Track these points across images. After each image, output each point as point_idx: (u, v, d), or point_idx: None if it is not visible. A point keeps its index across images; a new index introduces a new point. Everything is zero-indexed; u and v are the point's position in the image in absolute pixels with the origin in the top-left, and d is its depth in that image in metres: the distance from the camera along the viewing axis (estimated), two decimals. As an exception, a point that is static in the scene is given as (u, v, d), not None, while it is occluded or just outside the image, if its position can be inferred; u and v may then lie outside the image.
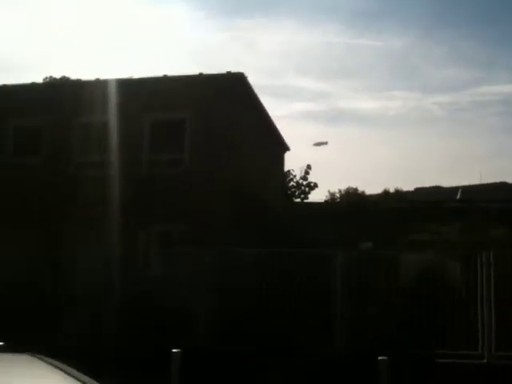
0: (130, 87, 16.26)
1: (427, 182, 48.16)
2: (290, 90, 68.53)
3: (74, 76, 28.14)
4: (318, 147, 22.61)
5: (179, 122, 16.16)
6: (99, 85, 16.45)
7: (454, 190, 59.68)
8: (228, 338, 10.86)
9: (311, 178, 21.90)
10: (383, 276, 11.24)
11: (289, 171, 21.98)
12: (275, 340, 10.64)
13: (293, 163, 23.29)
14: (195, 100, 15.93)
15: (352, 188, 45.14)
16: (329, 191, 40.12)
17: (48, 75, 28.07)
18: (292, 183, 21.87)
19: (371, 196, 40.58)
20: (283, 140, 22.44)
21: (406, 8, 68.57)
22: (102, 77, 16.82)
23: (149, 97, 16.01)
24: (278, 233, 15.78)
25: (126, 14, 65.48)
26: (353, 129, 72.87)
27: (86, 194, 15.24)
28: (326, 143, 22.53)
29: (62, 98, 16.87)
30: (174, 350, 7.38)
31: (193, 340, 10.59)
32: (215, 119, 15.79)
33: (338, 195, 41.72)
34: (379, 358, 9.04)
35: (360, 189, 45.22)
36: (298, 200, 21.56)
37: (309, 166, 22.02)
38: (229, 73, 16.11)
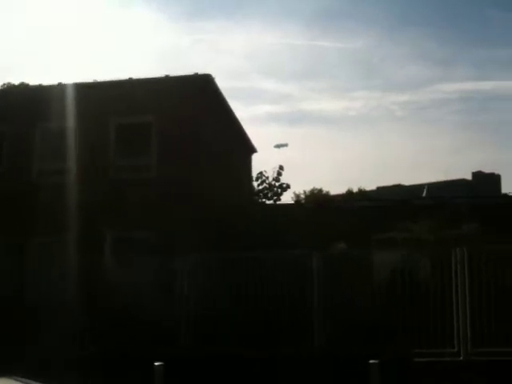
0: (93, 91, 15.79)
1: (388, 181, 48.89)
2: (254, 91, 68.97)
3: (34, 82, 27.22)
4: (278, 149, 22.65)
5: (145, 125, 15.79)
6: (61, 89, 15.95)
7: (416, 187, 60.75)
8: (206, 344, 10.66)
9: (283, 179, 21.87)
10: (359, 276, 11.17)
11: (261, 173, 21.84)
12: (253, 343, 10.47)
13: (259, 165, 23.22)
14: (161, 103, 15.57)
15: (317, 189, 45.31)
16: (294, 193, 40.09)
17: (6, 82, 27.16)
18: (265, 185, 21.70)
19: (336, 196, 40.79)
20: (250, 142, 22.26)
21: (366, 8, 69.67)
22: (64, 82, 16.33)
23: (113, 100, 15.58)
24: (249, 236, 15.56)
25: (87, 18, 64.43)
26: (316, 130, 73.65)
27: (48, 201, 14.74)
28: (286, 145, 22.70)
29: (22, 104, 16.30)
30: (156, 364, 7.08)
31: (172, 348, 10.36)
32: (182, 122, 15.47)
33: (303, 196, 41.73)
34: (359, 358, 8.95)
35: (324, 189, 45.46)
36: (271, 202, 21.41)
37: (281, 167, 21.91)
38: (196, 74, 15.83)
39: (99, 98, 15.58)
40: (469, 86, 70.66)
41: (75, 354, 10.83)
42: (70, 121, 15.59)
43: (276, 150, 22.24)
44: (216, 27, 64.99)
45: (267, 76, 68.68)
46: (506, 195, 17.94)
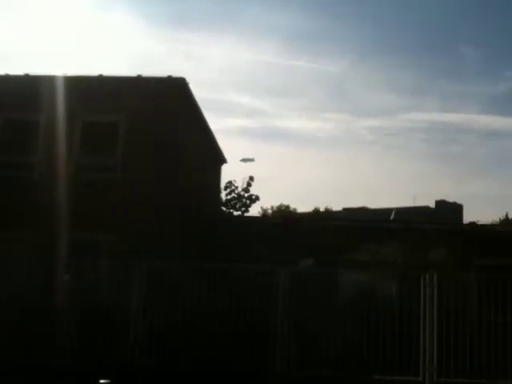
0: (62, 85, 15.08)
1: (354, 203, 49.29)
2: (227, 105, 68.80)
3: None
4: (245, 163, 22.26)
5: (113, 125, 15.15)
6: (27, 80, 15.24)
7: (382, 211, 61.16)
8: (161, 358, 10.05)
9: (252, 192, 21.35)
10: (325, 295, 10.79)
11: (230, 182, 21.28)
12: (213, 360, 9.93)
13: (228, 178, 22.67)
14: (131, 103, 14.98)
15: (284, 205, 45.25)
16: (261, 207, 39.85)
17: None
18: (233, 194, 21.14)
19: (303, 214, 40.72)
20: (221, 152, 21.78)
21: (343, 32, 70.63)
22: (31, 73, 15.58)
23: (82, 96, 14.91)
24: (214, 246, 15.05)
25: (66, 19, 63.26)
26: (287, 147, 73.82)
27: (5, 196, 14.06)
28: (252, 160, 22.32)
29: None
30: (101, 381, 6.48)
31: (122, 363, 9.73)
32: (152, 125, 14.90)
33: (270, 211, 41.56)
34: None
35: (292, 206, 45.44)
36: (239, 213, 20.86)
37: (251, 178, 21.40)
38: (170, 77, 15.32)
39: (68, 92, 14.90)
40: (436, 116, 72.64)
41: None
42: (35, 113, 14.90)
43: (243, 163, 21.80)
44: (193, 38, 65.28)
45: (241, 91, 69.27)
46: (473, 223, 17.85)
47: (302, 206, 65.06)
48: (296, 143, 76.54)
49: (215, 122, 63.74)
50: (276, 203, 45.08)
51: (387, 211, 55.83)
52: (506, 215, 39.91)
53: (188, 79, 15.60)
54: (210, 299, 10.65)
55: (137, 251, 12.17)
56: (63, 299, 11.17)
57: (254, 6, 71.95)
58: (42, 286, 11.05)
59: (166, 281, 10.79)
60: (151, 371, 9.97)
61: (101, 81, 15.38)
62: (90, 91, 15.06)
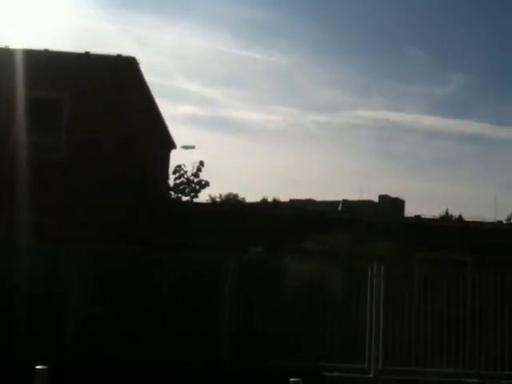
0: (4, 57, 14.27)
1: (301, 195, 49.51)
2: (177, 91, 67.22)
3: None
4: (185, 150, 21.96)
5: (58, 102, 14.48)
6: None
7: (328, 203, 61.95)
8: (99, 350, 9.65)
9: (202, 177, 20.97)
10: (274, 283, 10.67)
11: (180, 166, 20.82)
12: (155, 351, 9.62)
13: (176, 163, 22.20)
14: (78, 80, 14.38)
15: (232, 194, 45.03)
16: (209, 195, 39.47)
17: None
18: (182, 179, 20.68)
19: (251, 203, 40.63)
20: (171, 137, 21.34)
21: (296, 27, 70.53)
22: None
23: (25, 71, 14.12)
24: (161, 232, 14.66)
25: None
26: (235, 137, 73.29)
27: None
28: (193, 147, 22.03)
29: None
30: (37, 367, 6.09)
31: (60, 351, 9.28)
32: (99, 103, 14.35)
33: (218, 200, 41.22)
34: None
35: (240, 195, 45.28)
36: (188, 198, 20.45)
37: (201, 163, 20.97)
38: (119, 56, 14.81)
39: (9, 65, 14.10)
40: (382, 115, 74.08)
41: None
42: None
43: (183, 150, 21.41)
44: (144, 21, 63.65)
45: (192, 78, 68.34)
46: (418, 216, 18.18)
47: (250, 196, 65.02)
48: (245, 133, 76.31)
49: (165, 108, 62.66)
50: (224, 192, 44.82)
51: (334, 203, 56.62)
52: (447, 211, 41.07)
53: (138, 60, 15.13)
54: (150, 287, 10.32)
55: (80, 235, 11.69)
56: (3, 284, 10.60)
57: (207, -8, 71.12)
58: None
59: (106, 268, 10.34)
60: (88, 359, 9.58)
61: (46, 56, 14.66)
62: (35, 66, 14.30)
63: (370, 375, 9.95)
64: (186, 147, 22.23)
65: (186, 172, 20.69)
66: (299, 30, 73.93)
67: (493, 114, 77.64)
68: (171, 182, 20.98)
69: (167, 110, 61.66)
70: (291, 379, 6.55)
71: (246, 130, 74.03)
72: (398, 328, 10.10)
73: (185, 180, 20.64)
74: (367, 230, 16.37)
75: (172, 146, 22.14)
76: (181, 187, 20.54)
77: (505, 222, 21.31)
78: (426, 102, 76.02)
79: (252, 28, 72.45)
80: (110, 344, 9.75)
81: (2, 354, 9.30)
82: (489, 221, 18.55)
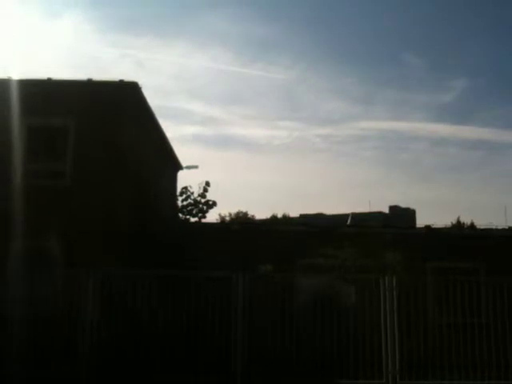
0: (7, 88, 14.43)
1: (311, 209, 49.60)
2: (180, 112, 68.09)
3: None
4: (189, 170, 21.98)
5: (62, 129, 14.58)
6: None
7: (338, 217, 61.79)
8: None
9: (209, 197, 20.96)
10: (284, 299, 10.61)
11: (186, 188, 20.83)
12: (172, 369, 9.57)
13: (184, 184, 22.25)
14: (81, 107, 14.47)
15: (242, 212, 45.09)
16: (219, 214, 39.54)
17: None
18: (189, 200, 20.68)
19: (261, 220, 40.62)
20: (177, 158, 21.39)
21: (295, 41, 71.20)
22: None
23: (29, 100, 14.26)
24: (170, 253, 14.65)
25: (13, 26, 61.15)
26: (241, 155, 73.75)
27: None
28: (196, 167, 22.08)
29: None
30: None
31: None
32: (103, 129, 14.41)
33: (228, 218, 41.30)
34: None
35: (249, 213, 45.34)
36: (196, 219, 20.45)
37: (207, 183, 21.00)
38: (121, 81, 14.90)
39: (15, 96, 14.26)
40: (385, 125, 74.14)
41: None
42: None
43: (189, 170, 21.44)
44: (143, 44, 64.37)
45: (194, 98, 69.00)
46: (428, 226, 18.05)
47: (260, 213, 65.06)
48: (250, 151, 76.88)
49: (169, 130, 63.06)
50: (233, 210, 44.93)
51: (343, 217, 56.43)
52: (458, 219, 40.82)
53: (140, 84, 15.23)
54: (166, 308, 10.32)
55: (89, 259, 11.69)
56: (15, 309, 10.65)
57: (204, 12, 71.84)
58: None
59: (120, 291, 10.37)
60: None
61: (50, 84, 14.81)
62: (39, 95, 14.45)
63: (388, 390, 9.80)
64: (189, 167, 22.29)
65: (192, 193, 20.76)
66: (298, 43, 74.32)
67: (496, 118, 77.62)
68: (179, 204, 21.05)
69: (172, 131, 62.11)
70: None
71: (251, 146, 74.49)
72: (414, 341, 9.97)
73: (191, 201, 20.68)
74: (377, 242, 16.24)
75: (178, 167, 22.21)
76: (188, 208, 20.57)
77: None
78: (428, 110, 76.03)
79: (251, 45, 73.16)
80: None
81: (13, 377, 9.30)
82: (500, 227, 18.39)
